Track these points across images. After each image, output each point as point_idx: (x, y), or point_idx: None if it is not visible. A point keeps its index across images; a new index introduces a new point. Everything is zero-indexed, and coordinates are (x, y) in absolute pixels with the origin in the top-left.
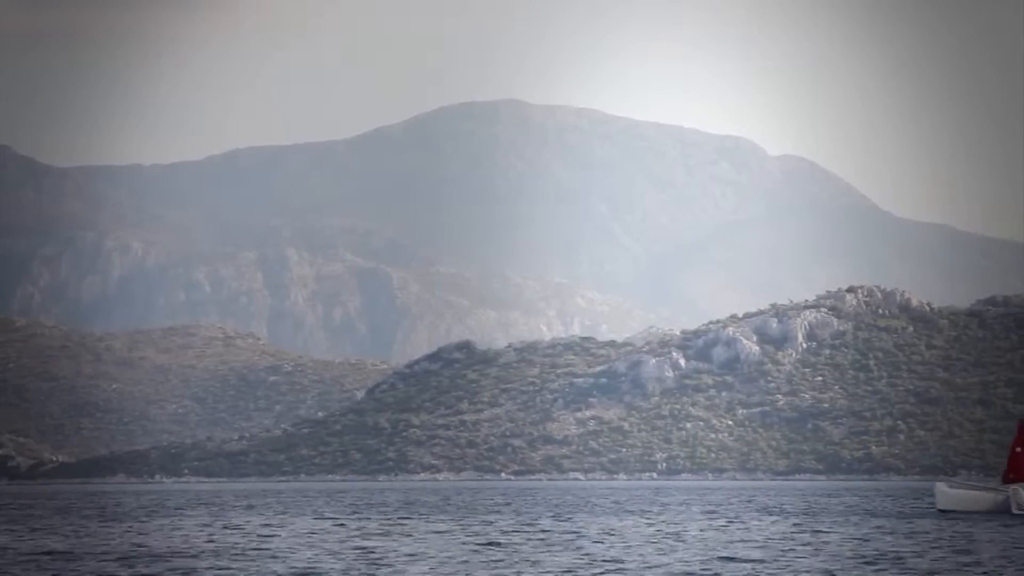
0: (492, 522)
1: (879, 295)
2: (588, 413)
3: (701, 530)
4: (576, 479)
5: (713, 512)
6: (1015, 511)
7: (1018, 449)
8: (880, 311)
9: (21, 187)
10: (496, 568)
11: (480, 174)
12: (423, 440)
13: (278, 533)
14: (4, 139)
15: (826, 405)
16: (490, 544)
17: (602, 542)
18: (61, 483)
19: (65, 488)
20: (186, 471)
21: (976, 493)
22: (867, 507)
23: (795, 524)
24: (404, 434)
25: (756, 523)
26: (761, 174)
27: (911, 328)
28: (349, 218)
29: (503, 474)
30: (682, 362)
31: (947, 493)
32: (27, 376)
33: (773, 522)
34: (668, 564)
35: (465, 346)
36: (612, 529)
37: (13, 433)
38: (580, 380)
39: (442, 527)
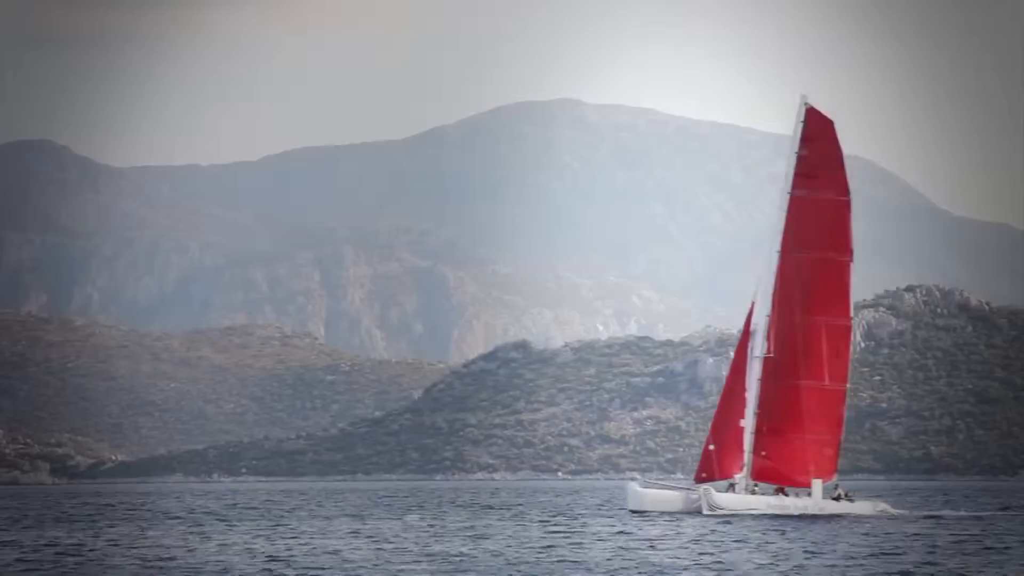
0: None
1: (938, 294)
2: (645, 413)
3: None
4: (633, 478)
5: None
6: (705, 512)
7: (710, 448)
8: (939, 310)
9: (79, 188)
10: None
11: (536, 174)
12: (480, 439)
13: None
14: (63, 140)
15: (884, 404)
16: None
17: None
18: (120, 482)
19: (131, 488)
20: (244, 470)
21: (668, 493)
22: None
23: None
24: (461, 433)
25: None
26: None
27: (970, 327)
28: (405, 218)
29: (560, 473)
30: None
31: (639, 493)
32: (86, 376)
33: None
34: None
35: (522, 345)
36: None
37: (72, 432)
38: (637, 380)
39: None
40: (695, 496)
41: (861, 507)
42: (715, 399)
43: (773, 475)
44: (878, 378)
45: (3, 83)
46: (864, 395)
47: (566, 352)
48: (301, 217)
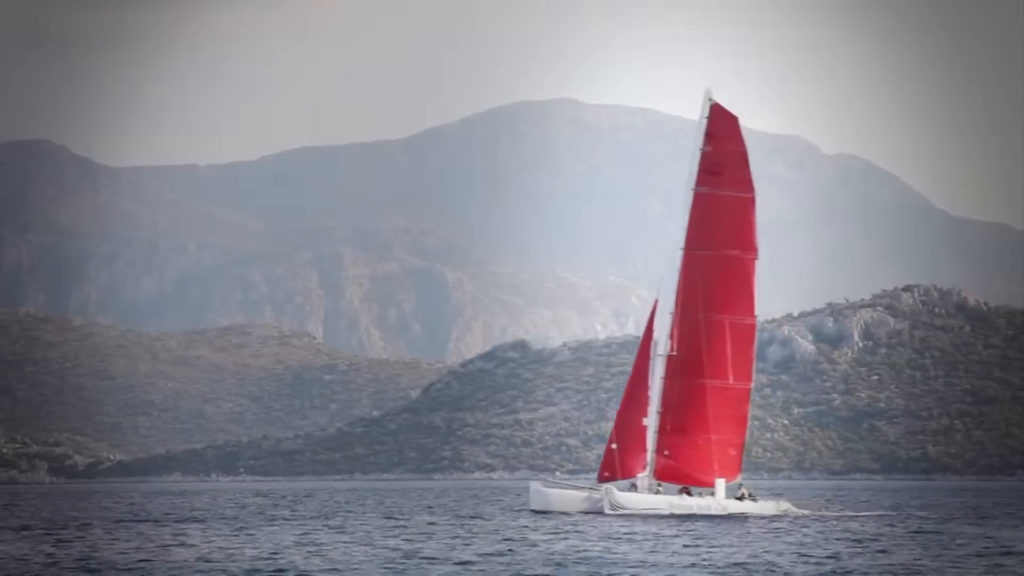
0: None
1: (936, 294)
2: None
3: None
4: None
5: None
6: (608, 511)
7: (613, 447)
8: (937, 310)
9: (78, 188)
10: None
11: (534, 174)
12: (478, 439)
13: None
14: (61, 140)
15: (882, 404)
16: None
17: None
18: (118, 482)
19: (130, 487)
20: (242, 470)
21: (571, 493)
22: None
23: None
24: (459, 433)
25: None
26: (816, 173)
27: (968, 327)
28: (404, 218)
29: (557, 473)
30: None
31: (541, 493)
32: (84, 375)
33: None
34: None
35: (520, 345)
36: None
37: (71, 432)
38: None
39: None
40: (598, 496)
41: (764, 507)
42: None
43: (676, 475)
44: (876, 378)
45: (2, 83)
46: (862, 395)
47: (564, 352)
48: (300, 217)
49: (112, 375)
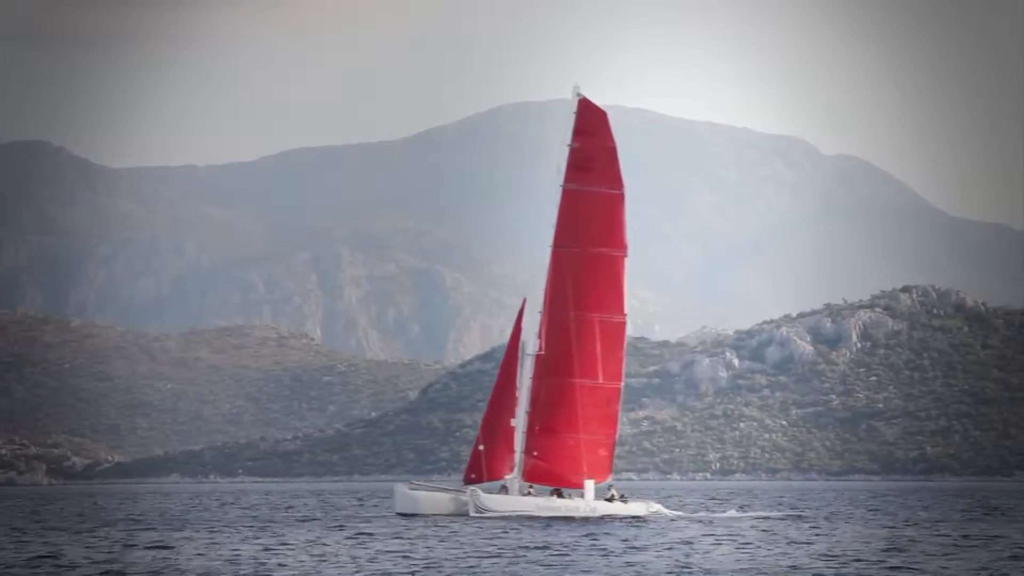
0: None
1: (934, 295)
2: (641, 413)
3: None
4: (629, 479)
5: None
6: (473, 514)
7: (480, 448)
8: (935, 311)
9: (76, 189)
10: None
11: (533, 174)
12: None
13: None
14: (59, 141)
15: (880, 405)
16: None
17: None
18: (116, 483)
19: (132, 489)
20: (240, 471)
21: (437, 495)
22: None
23: None
24: (457, 434)
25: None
26: (815, 173)
27: (966, 328)
28: (402, 218)
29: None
30: (736, 362)
31: (406, 495)
32: (82, 376)
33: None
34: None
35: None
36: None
37: (69, 433)
38: (633, 380)
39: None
40: (465, 498)
41: (634, 508)
42: (711, 400)
43: (545, 476)
44: (874, 378)
45: (0, 83)
46: (860, 395)
47: None
48: (298, 218)
49: (110, 376)
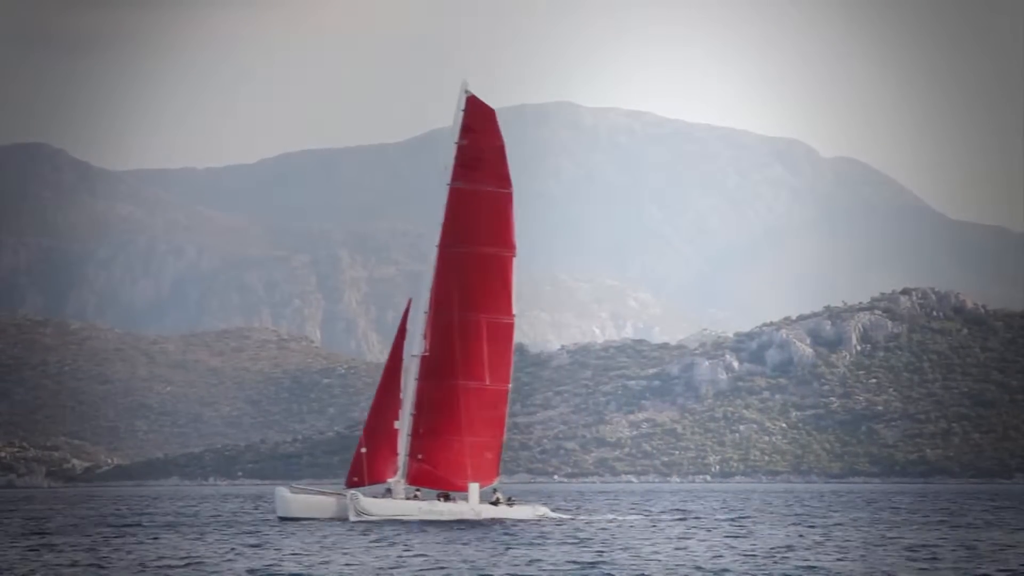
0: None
1: (933, 297)
2: (641, 416)
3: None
4: (629, 481)
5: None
6: (352, 518)
7: (362, 451)
8: (934, 313)
9: (76, 191)
10: None
11: (532, 177)
12: None
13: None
14: (59, 143)
15: (880, 408)
16: None
17: None
18: (116, 486)
19: (132, 491)
20: (240, 473)
21: (318, 499)
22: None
23: None
24: None
25: None
26: (814, 176)
27: (966, 330)
28: (402, 221)
29: (556, 476)
30: (735, 364)
31: (287, 499)
32: (82, 379)
33: None
34: None
35: (518, 348)
36: None
37: (69, 436)
38: (633, 383)
39: None
40: (344, 502)
41: (521, 511)
42: (711, 402)
43: (430, 479)
44: (874, 381)
45: (0, 86)
46: (860, 398)
47: (562, 355)
48: (298, 220)
49: (110, 378)
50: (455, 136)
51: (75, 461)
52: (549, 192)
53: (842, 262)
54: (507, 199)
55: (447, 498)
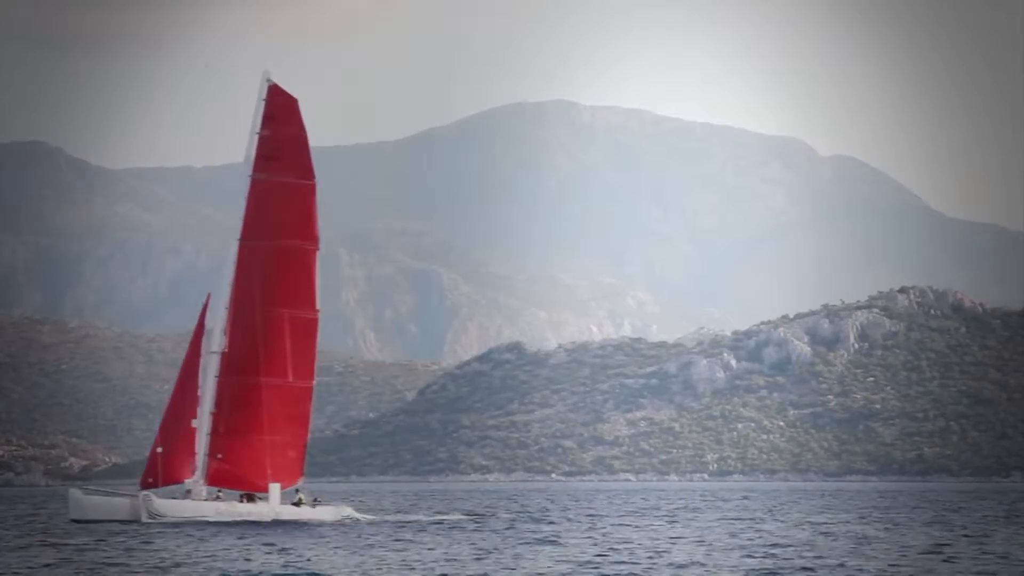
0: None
1: (931, 296)
2: (639, 414)
3: None
4: (627, 480)
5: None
6: (144, 519)
7: (158, 450)
8: (932, 312)
9: (74, 190)
10: None
11: (530, 175)
12: (474, 441)
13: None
14: (57, 142)
15: (878, 406)
16: None
17: None
18: (114, 484)
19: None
20: None
21: (112, 500)
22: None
23: None
24: (455, 435)
25: None
26: (812, 174)
27: (963, 329)
28: (399, 219)
29: (554, 475)
30: (733, 363)
31: (80, 500)
32: (80, 377)
33: None
34: None
35: (516, 347)
36: None
37: (66, 434)
38: (631, 381)
39: None
40: (137, 503)
41: (324, 513)
42: (709, 400)
43: (231, 479)
44: (871, 379)
45: None
46: (858, 396)
47: (560, 353)
48: None
49: (108, 377)
50: (256, 127)
51: (73, 459)
52: (547, 190)
53: (840, 260)
54: (310, 190)
55: (250, 499)
